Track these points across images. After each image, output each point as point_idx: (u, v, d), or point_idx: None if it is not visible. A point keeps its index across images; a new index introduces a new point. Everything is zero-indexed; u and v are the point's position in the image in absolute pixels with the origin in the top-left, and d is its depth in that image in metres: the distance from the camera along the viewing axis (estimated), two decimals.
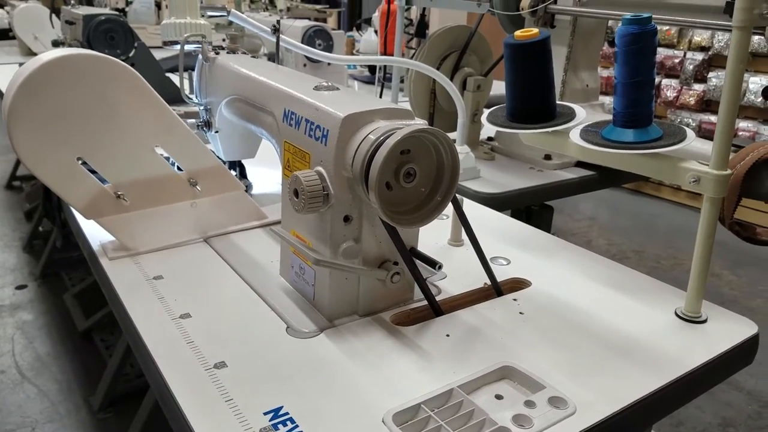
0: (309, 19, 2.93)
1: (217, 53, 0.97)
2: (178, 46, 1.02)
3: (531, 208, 1.43)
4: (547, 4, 1.33)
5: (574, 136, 0.80)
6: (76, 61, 0.79)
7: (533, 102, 0.85)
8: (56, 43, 2.24)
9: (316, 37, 2.03)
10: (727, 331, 0.74)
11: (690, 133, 0.75)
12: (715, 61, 3.38)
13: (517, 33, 0.84)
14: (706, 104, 3.43)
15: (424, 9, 2.10)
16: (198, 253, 0.88)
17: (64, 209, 1.05)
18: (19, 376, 1.82)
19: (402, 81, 1.80)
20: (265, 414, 0.56)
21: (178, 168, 0.91)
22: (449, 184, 0.69)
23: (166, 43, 1.05)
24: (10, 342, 1.98)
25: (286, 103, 0.75)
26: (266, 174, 1.20)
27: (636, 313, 0.77)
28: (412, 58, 1.93)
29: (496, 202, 1.23)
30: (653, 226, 3.34)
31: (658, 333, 0.73)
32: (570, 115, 0.85)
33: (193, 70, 1.04)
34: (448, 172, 0.68)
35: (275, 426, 0.55)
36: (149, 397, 1.45)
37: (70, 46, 1.99)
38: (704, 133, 3.32)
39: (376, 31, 2.48)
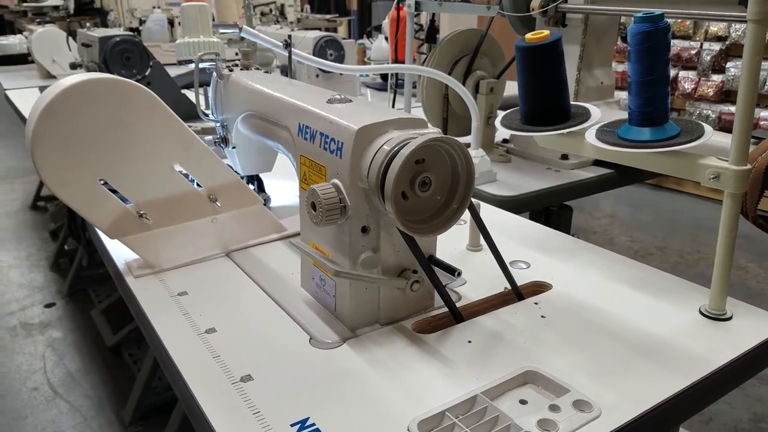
0: (319, 29, 2.96)
1: (231, 70, 0.99)
2: (193, 65, 1.04)
3: (550, 209, 1.42)
4: (558, 3, 1.32)
5: (590, 136, 0.79)
6: (95, 85, 0.81)
7: (547, 104, 0.85)
8: (74, 66, 2.29)
9: (328, 47, 2.05)
10: (753, 327, 0.73)
11: (708, 129, 0.74)
12: (733, 50, 3.33)
13: (528, 35, 0.84)
14: (726, 95, 3.38)
15: (433, 14, 2.10)
16: (220, 268, 0.90)
17: (89, 228, 1.08)
18: (52, 393, 1.85)
19: (414, 87, 1.81)
20: (292, 426, 0.57)
21: (197, 185, 0.92)
22: (465, 191, 0.69)
23: (180, 62, 1.07)
24: (41, 359, 2.03)
25: (301, 118, 0.76)
26: (283, 186, 1.22)
27: (660, 313, 0.77)
28: (423, 63, 1.93)
29: (513, 204, 1.22)
30: (676, 221, 3.30)
31: (682, 332, 0.72)
32: (585, 115, 0.85)
33: (208, 85, 1.05)
34: (463, 179, 0.69)
35: None
36: (178, 410, 1.47)
37: (87, 68, 2.03)
38: (725, 124, 3.27)
39: (386, 38, 2.49)
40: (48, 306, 2.38)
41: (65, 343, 2.12)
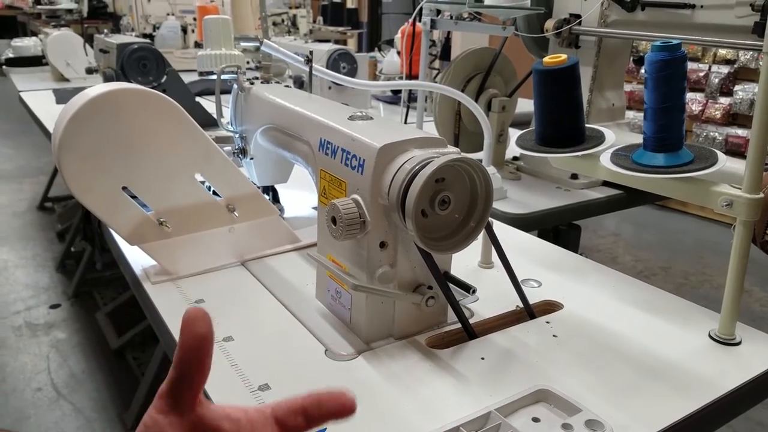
0: (330, 41, 2.99)
1: (252, 83, 1.01)
2: (213, 76, 1.06)
3: (558, 227, 1.44)
4: (572, 25, 1.34)
5: (605, 160, 0.81)
6: (121, 95, 0.83)
7: (563, 126, 0.87)
8: (90, 71, 2.31)
9: (341, 60, 2.07)
10: (762, 353, 0.74)
11: (721, 157, 0.75)
12: (741, 74, 3.35)
13: (546, 59, 0.86)
14: (733, 118, 3.39)
15: (448, 31, 2.13)
16: (236, 277, 0.91)
17: (105, 233, 1.09)
18: (55, 394, 1.86)
19: (427, 101, 1.83)
20: None
21: (216, 194, 0.94)
22: (483, 211, 0.70)
23: (202, 74, 1.09)
24: (45, 360, 2.04)
25: (322, 133, 0.78)
26: (298, 197, 1.23)
27: (670, 336, 0.78)
28: (434, 78, 1.95)
29: (523, 222, 1.24)
30: (680, 242, 3.30)
31: (692, 355, 0.73)
32: (599, 138, 0.87)
33: (222, 93, 1.07)
34: (481, 198, 0.70)
35: None
36: None
37: (104, 73, 2.05)
38: (731, 147, 3.29)
39: (398, 52, 2.52)
40: (53, 307, 2.39)
41: (70, 344, 2.13)
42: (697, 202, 0.76)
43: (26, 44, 3.30)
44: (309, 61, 0.97)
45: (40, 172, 4.03)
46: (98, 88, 0.83)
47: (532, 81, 0.88)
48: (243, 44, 1.10)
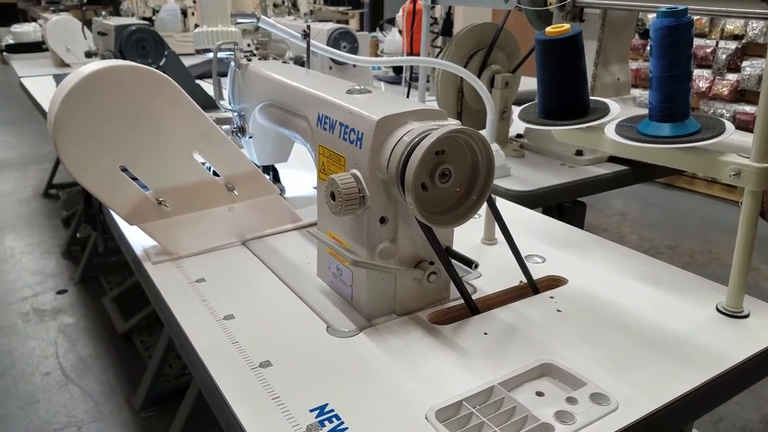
0: (331, 21, 2.95)
1: (249, 60, 0.99)
2: (210, 54, 1.05)
3: (563, 204, 1.42)
4: None
5: (610, 131, 0.79)
6: (116, 72, 0.82)
7: (566, 98, 0.85)
8: (89, 54, 2.30)
9: (342, 39, 2.05)
10: None
11: (729, 126, 0.74)
12: (749, 49, 3.30)
13: (549, 29, 0.83)
14: (741, 94, 3.35)
15: (449, 7, 2.10)
16: (237, 256, 0.90)
17: (105, 214, 1.09)
18: (64, 378, 1.87)
19: (428, 80, 1.80)
20: (311, 411, 0.57)
21: (215, 173, 0.93)
22: (484, 184, 0.69)
23: (198, 51, 1.08)
24: (53, 345, 2.05)
25: (320, 108, 0.76)
26: (298, 177, 1.22)
27: (676, 309, 0.77)
28: (437, 56, 1.93)
29: (527, 199, 1.22)
30: (687, 221, 3.28)
31: (699, 328, 0.72)
32: (604, 110, 0.85)
33: (221, 75, 1.06)
34: (482, 171, 0.69)
35: (321, 423, 0.56)
36: (189, 395, 1.48)
37: (102, 56, 2.04)
38: (739, 123, 3.24)
39: (400, 31, 2.48)
40: (60, 292, 2.40)
41: (77, 329, 2.15)
42: (704, 172, 0.74)
43: (26, 30, 3.28)
44: (306, 35, 0.96)
45: (44, 159, 4.03)
46: (92, 65, 0.82)
47: (535, 52, 0.86)
48: (240, 21, 1.08)
